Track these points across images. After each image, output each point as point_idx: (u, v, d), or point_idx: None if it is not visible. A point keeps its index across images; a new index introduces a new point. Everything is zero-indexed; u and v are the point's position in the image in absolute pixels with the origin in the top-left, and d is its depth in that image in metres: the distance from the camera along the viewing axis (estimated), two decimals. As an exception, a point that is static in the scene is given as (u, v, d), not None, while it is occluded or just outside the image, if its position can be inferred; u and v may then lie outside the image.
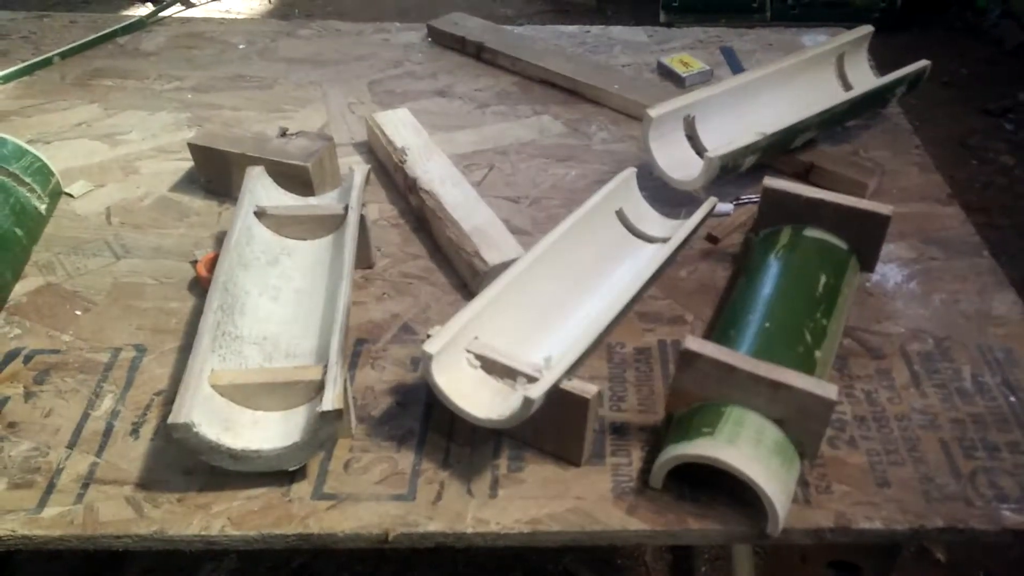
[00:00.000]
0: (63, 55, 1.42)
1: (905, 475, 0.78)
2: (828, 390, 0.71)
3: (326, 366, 0.76)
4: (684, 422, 0.75)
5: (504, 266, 0.89)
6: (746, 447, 0.70)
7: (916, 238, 1.06)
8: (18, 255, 0.98)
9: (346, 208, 0.95)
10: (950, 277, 1.00)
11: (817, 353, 0.81)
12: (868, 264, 0.95)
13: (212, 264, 0.91)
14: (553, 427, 0.77)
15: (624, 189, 1.00)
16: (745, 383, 0.73)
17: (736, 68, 1.41)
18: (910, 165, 1.19)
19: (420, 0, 3.47)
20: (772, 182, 0.96)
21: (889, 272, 1.01)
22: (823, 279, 0.88)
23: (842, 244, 0.93)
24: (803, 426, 0.72)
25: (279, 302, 0.89)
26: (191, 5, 3.25)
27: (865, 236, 0.93)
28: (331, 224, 0.96)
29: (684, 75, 1.36)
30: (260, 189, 0.99)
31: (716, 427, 0.72)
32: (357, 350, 0.90)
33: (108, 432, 0.81)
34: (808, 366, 0.79)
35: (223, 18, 1.96)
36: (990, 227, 2.32)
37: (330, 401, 0.72)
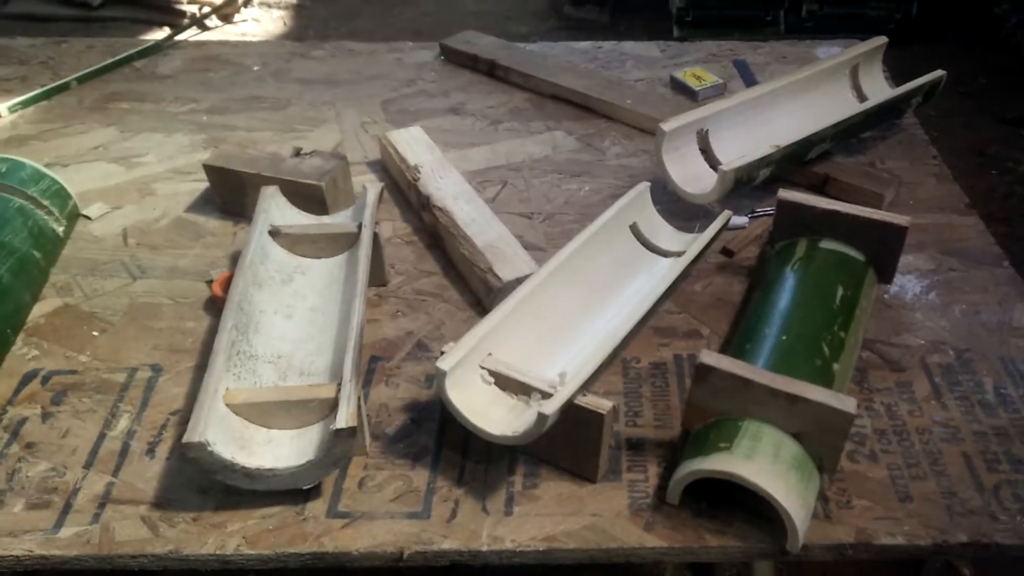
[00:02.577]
0: (80, 79, 1.44)
1: (927, 489, 0.76)
2: (847, 403, 0.70)
3: (340, 384, 0.76)
4: (701, 437, 0.74)
5: (518, 282, 0.88)
6: (764, 462, 0.70)
7: (935, 249, 1.05)
8: (36, 277, 0.99)
9: (359, 226, 0.96)
10: (970, 288, 0.99)
11: (835, 366, 0.80)
12: (886, 276, 0.94)
13: (227, 284, 0.91)
14: (568, 443, 0.76)
15: (638, 203, 1.00)
16: (762, 397, 0.72)
17: (749, 81, 1.41)
18: (927, 176, 1.18)
19: (433, 20, 3.50)
20: (787, 194, 0.95)
21: (908, 283, 1.00)
22: (840, 291, 0.87)
23: (859, 256, 0.92)
24: (822, 440, 0.72)
25: (293, 320, 0.89)
26: (207, 28, 3.29)
27: (882, 247, 0.92)
28: (345, 242, 0.96)
29: (697, 89, 1.36)
30: (274, 208, 0.99)
31: (733, 442, 0.71)
32: (371, 368, 0.90)
33: (124, 452, 0.81)
34: (826, 379, 0.78)
35: (238, 41, 1.98)
36: (1011, 237, 2.29)
37: (344, 419, 0.72)
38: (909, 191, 1.14)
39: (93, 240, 1.09)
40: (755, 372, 0.73)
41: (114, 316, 0.97)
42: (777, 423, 0.72)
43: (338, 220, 1.01)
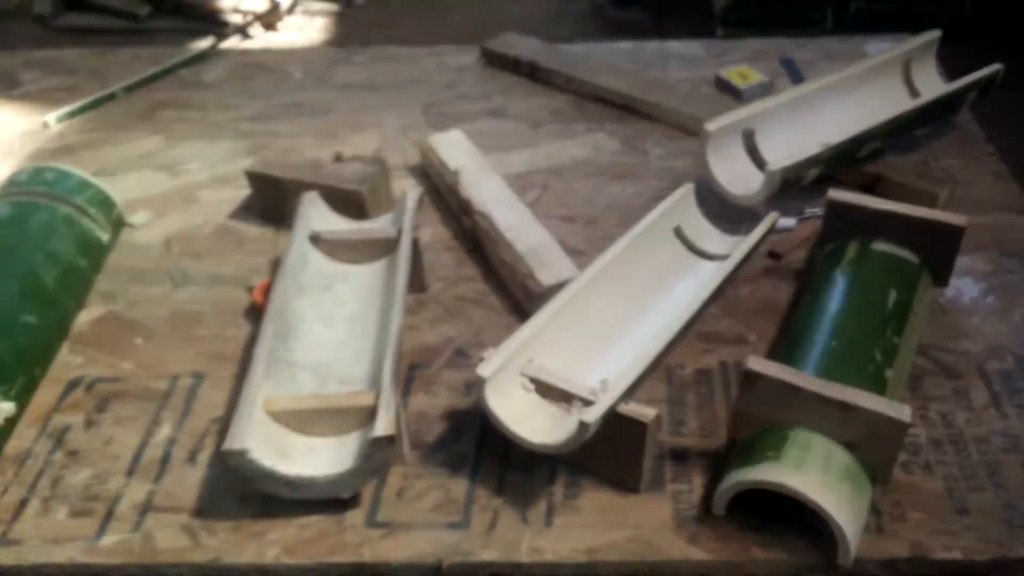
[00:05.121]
0: (127, 89, 1.46)
1: (985, 502, 0.73)
2: (901, 412, 0.67)
3: (379, 392, 0.76)
4: (748, 446, 0.73)
5: (559, 287, 0.87)
6: (814, 472, 0.67)
7: (993, 250, 1.01)
8: (82, 285, 1.00)
9: (399, 232, 0.95)
10: (1030, 291, 0.95)
11: (888, 373, 0.77)
12: (941, 278, 0.91)
13: (267, 291, 0.91)
14: (610, 452, 0.75)
15: (682, 206, 0.98)
16: (812, 405, 0.70)
17: (797, 79, 1.37)
18: (984, 174, 1.14)
19: (475, 26, 3.50)
20: (837, 194, 0.93)
21: (964, 287, 0.96)
22: (893, 295, 0.85)
23: (913, 258, 0.89)
24: (874, 450, 0.69)
25: (333, 327, 0.89)
26: (250, 37, 3.33)
27: (937, 249, 0.89)
28: (385, 248, 0.96)
29: (742, 88, 1.33)
30: (315, 214, 0.99)
31: (781, 451, 0.69)
32: (410, 375, 0.89)
33: (166, 460, 0.82)
34: (879, 386, 0.75)
35: (281, 48, 1.99)
36: (1072, 237, 2.22)
37: (383, 427, 0.72)
38: (965, 190, 1.11)
39: (137, 248, 1.10)
40: (804, 379, 0.71)
41: (157, 323, 0.98)
42: (827, 432, 0.70)
43: (378, 225, 1.00)
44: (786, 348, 0.83)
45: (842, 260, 0.90)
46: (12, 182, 1.05)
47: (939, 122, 1.22)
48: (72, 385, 0.90)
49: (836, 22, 3.15)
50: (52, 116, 1.38)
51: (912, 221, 0.88)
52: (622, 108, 1.34)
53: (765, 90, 1.34)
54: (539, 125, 1.31)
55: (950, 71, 1.27)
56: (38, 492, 0.79)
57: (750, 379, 0.72)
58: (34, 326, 0.89)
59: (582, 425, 0.68)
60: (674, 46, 1.52)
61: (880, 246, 0.90)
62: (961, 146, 1.19)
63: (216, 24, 3.30)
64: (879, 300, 0.84)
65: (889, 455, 0.69)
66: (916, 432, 0.80)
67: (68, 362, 0.93)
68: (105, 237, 1.07)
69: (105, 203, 1.09)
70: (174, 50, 1.64)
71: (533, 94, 1.40)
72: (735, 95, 1.34)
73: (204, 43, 2.46)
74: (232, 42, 1.66)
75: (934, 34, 1.24)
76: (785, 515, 0.71)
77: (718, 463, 0.78)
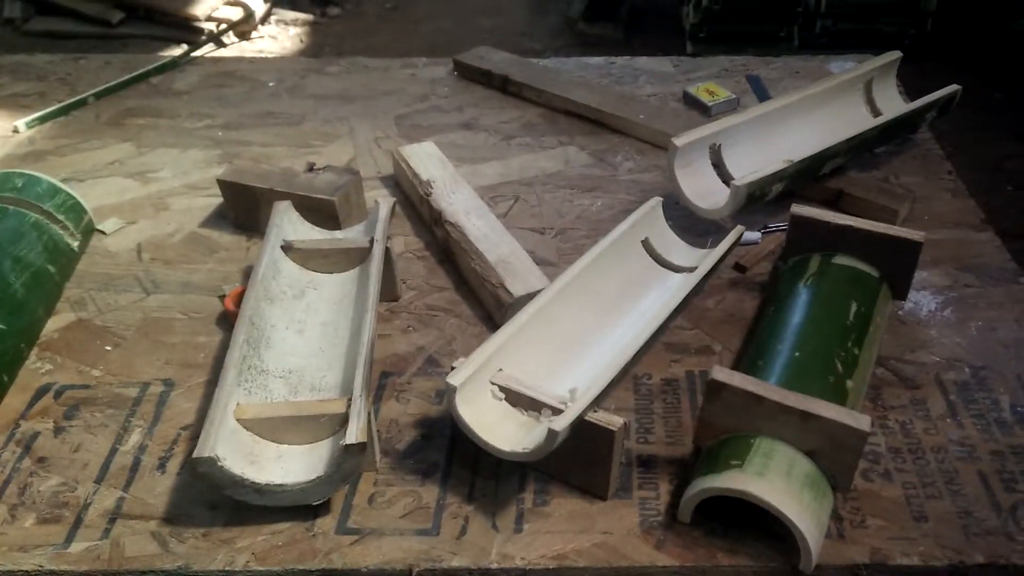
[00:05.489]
0: (98, 95, 1.45)
1: (943, 509, 0.75)
2: (861, 421, 0.69)
3: (350, 399, 0.76)
4: (712, 454, 0.74)
5: (529, 297, 0.88)
6: (776, 479, 0.69)
7: (950, 265, 1.04)
8: (51, 291, 1.00)
9: (371, 241, 0.96)
10: (986, 304, 0.98)
11: (849, 383, 0.79)
12: (900, 292, 0.93)
13: (239, 298, 0.91)
14: (579, 460, 0.76)
15: (650, 219, 1.00)
16: (774, 414, 0.71)
17: (763, 96, 1.40)
18: (943, 191, 1.17)
19: (448, 37, 3.51)
20: (800, 209, 0.95)
21: (922, 300, 0.99)
22: (854, 307, 0.87)
23: (873, 271, 0.91)
24: (835, 458, 0.71)
25: (304, 335, 0.89)
26: (224, 45, 3.32)
27: (897, 263, 0.91)
28: (357, 257, 0.97)
29: (710, 104, 1.36)
30: (287, 223, 1.00)
31: (745, 459, 0.71)
32: (382, 383, 0.90)
33: (135, 467, 0.81)
34: (840, 396, 0.77)
35: (254, 57, 1.99)
36: (1028, 253, 2.27)
37: (354, 434, 0.72)
38: (924, 206, 1.14)
39: (107, 255, 1.10)
40: (767, 388, 0.72)
41: (127, 331, 0.97)
42: (790, 440, 0.72)
43: (350, 235, 1.01)
44: (750, 358, 0.85)
45: (805, 273, 0.92)
46: (-20, 187, 1.05)
47: (900, 140, 1.25)
48: (41, 392, 0.89)
49: (802, 40, 3.20)
50: (22, 122, 1.37)
51: (873, 236, 0.91)
52: (592, 122, 1.36)
53: (732, 107, 1.37)
54: (511, 138, 1.33)
55: (911, 90, 1.30)
56: (5, 499, 0.78)
57: (715, 389, 0.73)
58: (2, 332, 0.88)
59: (551, 433, 0.69)
60: (644, 62, 1.54)
61: (842, 260, 0.92)
62: (921, 164, 1.23)
63: (189, 32, 3.28)
64: (840, 312, 0.86)
65: (850, 463, 0.71)
66: (876, 441, 0.82)
67: (37, 369, 0.92)
68: (75, 244, 1.06)
69: (75, 209, 1.08)
70: (146, 57, 1.64)
71: (505, 107, 1.41)
72: (703, 111, 1.37)
73: (177, 51, 2.45)
74: (205, 50, 1.65)
75: (895, 55, 1.28)
76: (749, 521, 0.73)
77: (684, 470, 0.79)
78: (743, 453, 0.71)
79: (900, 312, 0.97)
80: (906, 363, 0.91)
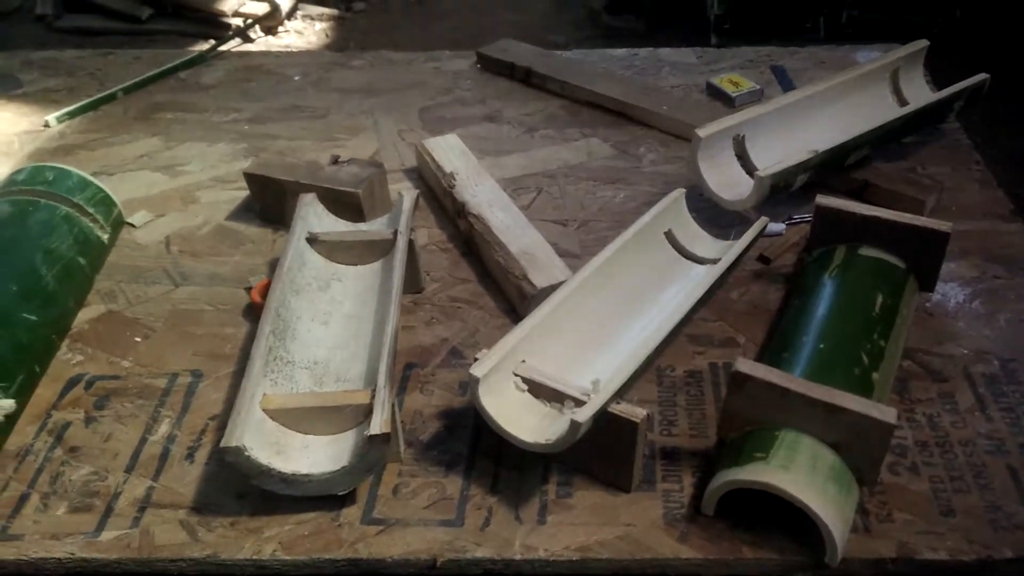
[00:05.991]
0: (127, 90, 1.47)
1: (971, 503, 0.75)
2: (887, 414, 0.68)
3: (374, 390, 0.77)
4: (736, 447, 0.74)
5: (552, 289, 0.88)
6: (801, 473, 0.69)
7: (978, 256, 1.02)
8: (81, 284, 1.01)
9: (395, 233, 0.96)
10: (1015, 296, 0.96)
11: (875, 375, 0.79)
12: (927, 284, 0.92)
13: (265, 290, 0.92)
14: (602, 452, 0.76)
15: (673, 210, 0.99)
16: (799, 406, 0.71)
17: (787, 86, 1.39)
18: (971, 181, 1.16)
19: (471, 31, 3.51)
20: (825, 200, 0.94)
21: (950, 291, 0.98)
22: (880, 299, 0.86)
23: (899, 263, 0.90)
24: (861, 451, 0.70)
25: (329, 327, 0.90)
26: (250, 40, 3.34)
27: (924, 254, 0.90)
28: (381, 249, 0.97)
29: (734, 95, 1.35)
30: (312, 216, 1.00)
31: (769, 452, 0.70)
32: (406, 374, 0.90)
33: (164, 456, 0.83)
34: (865, 389, 0.77)
35: (280, 52, 2.00)
36: (1060, 245, 2.23)
37: (378, 425, 0.73)
38: (951, 197, 1.12)
39: (137, 247, 1.11)
40: (792, 381, 0.72)
41: (156, 322, 0.99)
42: (815, 433, 0.71)
43: (374, 227, 1.02)
44: (775, 351, 0.84)
45: (830, 265, 0.91)
46: (12, 181, 1.06)
47: (927, 130, 1.23)
48: (72, 383, 0.91)
49: (828, 31, 3.17)
50: (52, 116, 1.39)
51: (899, 227, 0.90)
52: (615, 114, 1.35)
53: (756, 98, 1.36)
54: (533, 130, 1.33)
55: (939, 81, 1.29)
56: (38, 488, 0.80)
57: (739, 381, 0.73)
58: (33, 324, 0.90)
59: (573, 424, 0.69)
60: (667, 53, 1.54)
61: (867, 251, 0.91)
62: (948, 154, 1.21)
63: (216, 27, 3.30)
64: (866, 304, 0.85)
65: (875, 456, 0.70)
66: (902, 434, 0.81)
67: (68, 360, 0.94)
68: (104, 236, 1.08)
69: (104, 202, 1.10)
70: (174, 52, 1.65)
71: (528, 99, 1.41)
72: (727, 102, 1.36)
73: (204, 46, 2.47)
74: (231, 45, 1.67)
75: (922, 43, 1.26)
76: (774, 515, 0.72)
77: (708, 463, 0.79)
78: (767, 446, 0.71)
79: (927, 304, 0.96)
80: (934, 356, 0.90)
